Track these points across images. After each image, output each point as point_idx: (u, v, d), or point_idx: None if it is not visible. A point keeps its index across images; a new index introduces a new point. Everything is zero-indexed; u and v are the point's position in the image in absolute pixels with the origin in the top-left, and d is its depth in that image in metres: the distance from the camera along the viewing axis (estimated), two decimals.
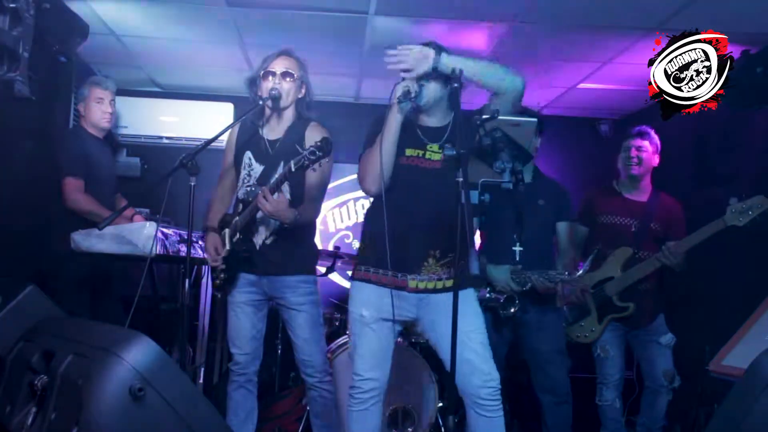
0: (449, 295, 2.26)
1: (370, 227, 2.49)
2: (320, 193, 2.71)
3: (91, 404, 1.69)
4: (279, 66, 2.65)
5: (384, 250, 2.31)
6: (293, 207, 2.56)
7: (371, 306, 2.35)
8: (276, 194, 2.46)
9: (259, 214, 2.59)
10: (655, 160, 3.32)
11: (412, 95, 2.22)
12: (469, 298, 2.35)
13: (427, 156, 2.34)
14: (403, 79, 2.24)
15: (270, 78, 2.63)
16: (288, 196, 2.61)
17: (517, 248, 2.99)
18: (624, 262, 3.22)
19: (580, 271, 3.15)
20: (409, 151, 2.35)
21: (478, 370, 2.26)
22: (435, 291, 2.36)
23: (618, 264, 3.23)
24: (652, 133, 3.32)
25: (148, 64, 4.51)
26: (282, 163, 2.61)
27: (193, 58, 4.34)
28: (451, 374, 2.03)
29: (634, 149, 3.29)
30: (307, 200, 2.64)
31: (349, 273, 4.91)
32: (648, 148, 3.28)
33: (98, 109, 3.45)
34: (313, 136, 2.63)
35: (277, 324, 3.65)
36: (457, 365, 2.15)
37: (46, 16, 2.99)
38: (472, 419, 2.30)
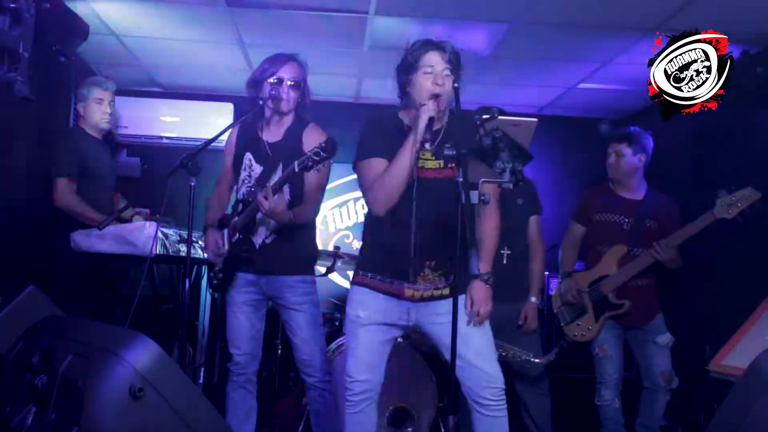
0: (447, 300, 2.27)
1: (368, 234, 2.47)
2: (319, 193, 2.71)
3: (91, 404, 1.69)
4: (288, 74, 2.65)
5: (381, 257, 2.32)
6: (292, 207, 2.58)
7: (368, 308, 2.34)
8: (276, 195, 2.46)
9: (259, 214, 2.59)
10: (640, 162, 3.26)
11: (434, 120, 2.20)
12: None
13: (419, 164, 2.27)
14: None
15: (278, 85, 2.64)
16: (288, 196, 2.62)
17: (505, 251, 3.02)
18: (619, 259, 3.22)
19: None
20: None
21: (482, 371, 2.25)
22: (432, 299, 2.34)
23: (613, 262, 3.24)
24: (640, 134, 3.26)
25: (148, 64, 4.51)
26: (281, 164, 2.62)
27: (193, 58, 4.34)
28: (451, 375, 2.02)
29: (614, 154, 3.27)
30: (307, 201, 2.65)
31: (350, 273, 4.94)
32: (628, 152, 3.24)
33: (98, 110, 3.44)
34: (311, 137, 2.64)
35: (277, 324, 3.65)
36: (460, 367, 2.18)
37: (46, 16, 2.99)
38: (476, 420, 2.29)
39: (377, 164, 2.28)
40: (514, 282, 3.16)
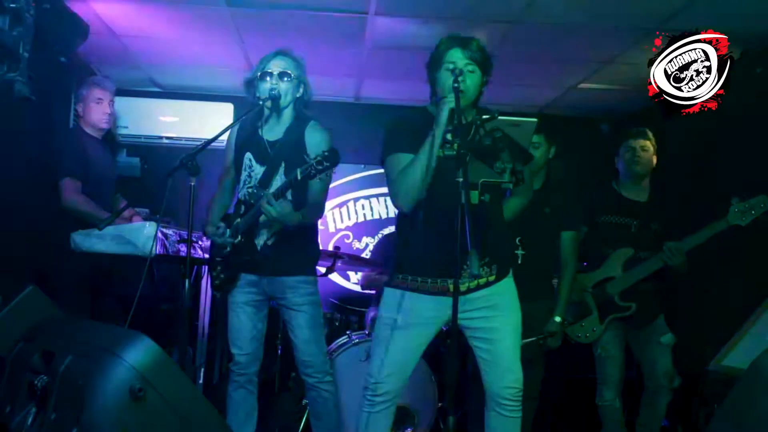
0: (491, 289, 2.30)
1: (405, 235, 2.41)
2: (323, 197, 2.71)
3: (91, 404, 1.69)
4: (276, 66, 2.64)
5: (423, 257, 2.29)
6: (296, 210, 2.57)
7: (408, 311, 2.30)
8: (279, 200, 2.46)
9: (262, 218, 2.59)
10: (654, 161, 3.32)
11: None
12: (508, 289, 2.34)
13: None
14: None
15: (267, 79, 2.63)
16: (290, 198, 2.61)
17: (519, 252, 3.00)
18: (625, 261, 3.22)
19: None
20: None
21: (509, 370, 2.26)
22: (477, 288, 2.31)
23: (619, 264, 3.23)
24: (651, 133, 3.32)
25: (148, 64, 4.50)
26: (283, 165, 2.61)
27: (193, 58, 4.34)
28: (451, 374, 2.02)
29: (639, 148, 3.27)
30: (310, 204, 2.64)
31: (350, 273, 4.94)
32: (650, 148, 3.28)
33: (97, 110, 3.44)
34: (312, 136, 2.63)
35: (277, 324, 3.65)
36: (485, 361, 2.25)
37: (46, 16, 2.98)
38: (491, 417, 2.29)
39: (401, 159, 2.27)
40: (531, 282, 3.08)
